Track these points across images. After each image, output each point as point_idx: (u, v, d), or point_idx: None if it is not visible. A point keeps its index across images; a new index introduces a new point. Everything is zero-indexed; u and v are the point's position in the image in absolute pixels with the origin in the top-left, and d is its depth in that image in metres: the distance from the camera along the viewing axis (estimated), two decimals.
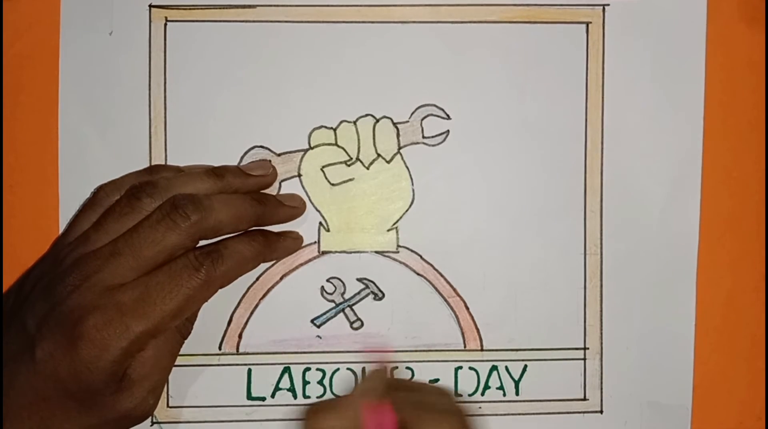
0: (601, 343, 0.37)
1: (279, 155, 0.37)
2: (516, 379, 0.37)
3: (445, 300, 0.37)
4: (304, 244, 0.37)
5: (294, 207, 0.36)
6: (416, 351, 0.37)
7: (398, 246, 0.37)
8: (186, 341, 0.35)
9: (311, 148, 0.37)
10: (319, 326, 0.37)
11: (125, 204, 0.33)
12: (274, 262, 0.37)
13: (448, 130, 0.37)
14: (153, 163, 0.37)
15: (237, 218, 0.33)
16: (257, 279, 0.37)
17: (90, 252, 0.32)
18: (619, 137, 0.37)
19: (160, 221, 0.32)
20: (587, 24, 0.37)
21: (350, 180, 0.37)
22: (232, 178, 0.35)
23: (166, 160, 0.37)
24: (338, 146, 0.37)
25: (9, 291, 0.36)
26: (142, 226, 0.32)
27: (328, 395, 0.37)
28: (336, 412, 0.31)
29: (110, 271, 0.31)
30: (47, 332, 0.30)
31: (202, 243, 0.33)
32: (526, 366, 0.37)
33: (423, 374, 0.37)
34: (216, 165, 0.36)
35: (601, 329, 0.37)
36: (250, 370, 0.37)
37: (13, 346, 0.31)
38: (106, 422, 0.31)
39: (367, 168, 0.37)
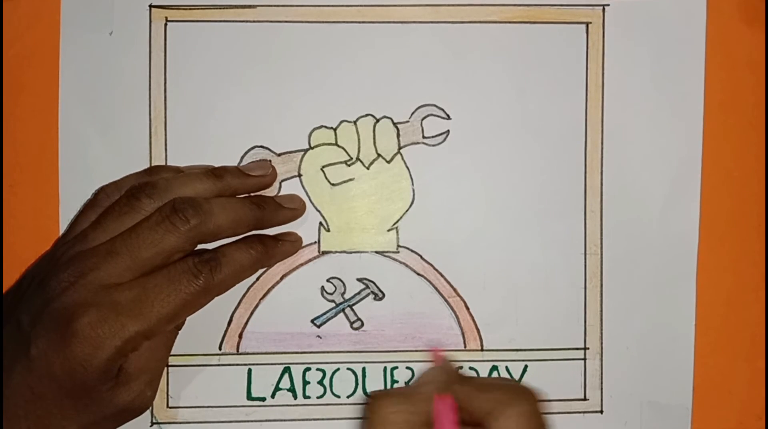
0: (601, 343, 0.37)
1: (279, 155, 0.37)
2: (516, 379, 0.37)
3: (446, 300, 0.37)
4: (304, 244, 0.37)
5: (293, 209, 0.36)
6: (416, 351, 0.37)
7: (398, 246, 0.37)
8: (186, 341, 0.35)
9: (311, 148, 0.37)
10: (319, 326, 0.37)
11: (124, 203, 0.33)
12: None
13: (448, 130, 0.37)
14: (153, 163, 0.37)
15: (236, 223, 0.33)
16: (257, 279, 0.37)
17: (87, 250, 0.32)
18: (619, 137, 0.37)
19: (159, 223, 0.31)
20: (587, 24, 0.37)
21: (350, 180, 0.37)
22: (232, 178, 0.35)
23: (166, 160, 0.37)
24: (338, 146, 0.37)
25: (9, 290, 0.36)
26: (141, 227, 0.32)
27: (328, 395, 0.37)
28: (405, 402, 0.30)
29: (106, 269, 0.31)
30: (41, 329, 0.30)
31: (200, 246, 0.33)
32: (526, 366, 0.37)
33: None
34: (216, 165, 0.36)
35: (601, 329, 0.37)
36: (250, 370, 0.37)
37: (10, 344, 0.31)
38: (105, 417, 0.31)
39: (368, 168, 0.37)
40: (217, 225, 0.32)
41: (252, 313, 0.37)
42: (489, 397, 0.30)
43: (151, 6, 0.36)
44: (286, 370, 0.37)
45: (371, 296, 0.37)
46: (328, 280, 0.37)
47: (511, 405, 0.29)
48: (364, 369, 0.37)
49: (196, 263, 0.32)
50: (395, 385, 0.37)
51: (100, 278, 0.31)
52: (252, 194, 0.36)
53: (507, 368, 0.37)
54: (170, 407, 0.37)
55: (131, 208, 0.32)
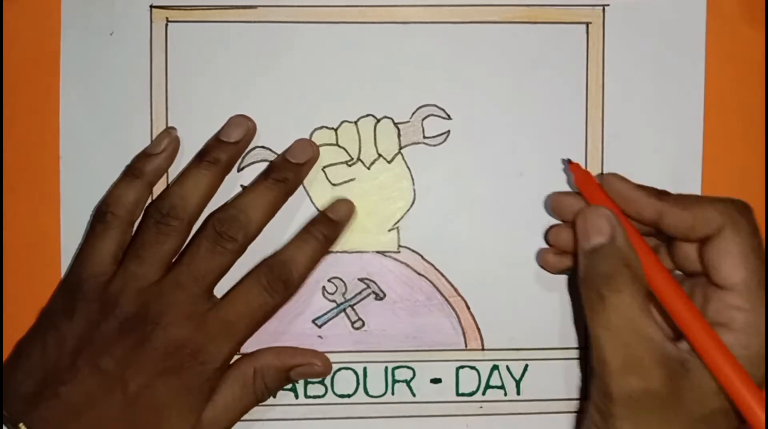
0: None
1: None
2: (517, 378, 0.37)
3: (446, 300, 0.37)
4: None
5: (310, 159, 0.36)
6: (417, 351, 0.37)
7: (399, 246, 0.37)
8: None
9: None
10: (320, 326, 0.37)
11: (156, 232, 0.34)
12: None
13: (448, 130, 0.37)
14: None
15: (272, 211, 0.35)
16: None
17: (149, 287, 0.33)
18: (619, 137, 0.37)
19: (210, 251, 0.33)
20: (587, 24, 0.37)
21: (351, 180, 0.37)
22: (222, 154, 0.35)
23: None
24: (339, 146, 0.37)
25: (30, 340, 0.34)
26: (196, 258, 0.33)
27: (330, 395, 0.37)
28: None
29: (182, 303, 0.33)
30: (138, 369, 0.32)
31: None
32: (527, 365, 0.37)
33: (424, 374, 0.37)
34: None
35: None
36: None
37: (90, 389, 0.32)
38: None
39: (368, 168, 0.37)
40: (258, 225, 0.35)
41: None
42: (707, 213, 0.31)
43: (151, 6, 0.36)
44: None
45: (372, 296, 0.37)
46: (329, 280, 0.37)
47: (737, 220, 0.30)
48: (365, 369, 0.37)
49: (270, 282, 0.34)
50: (395, 385, 0.37)
51: (181, 312, 0.33)
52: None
53: (508, 367, 0.37)
54: None
55: (167, 236, 0.34)
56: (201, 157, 0.35)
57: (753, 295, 0.30)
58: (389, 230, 0.37)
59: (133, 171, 0.35)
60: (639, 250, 0.31)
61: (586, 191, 0.34)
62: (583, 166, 0.37)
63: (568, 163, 0.35)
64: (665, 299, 0.30)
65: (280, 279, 0.34)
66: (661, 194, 0.32)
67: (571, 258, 0.35)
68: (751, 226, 0.30)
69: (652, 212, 0.32)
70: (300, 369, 0.36)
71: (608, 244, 0.31)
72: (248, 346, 0.37)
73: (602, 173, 0.36)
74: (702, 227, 0.31)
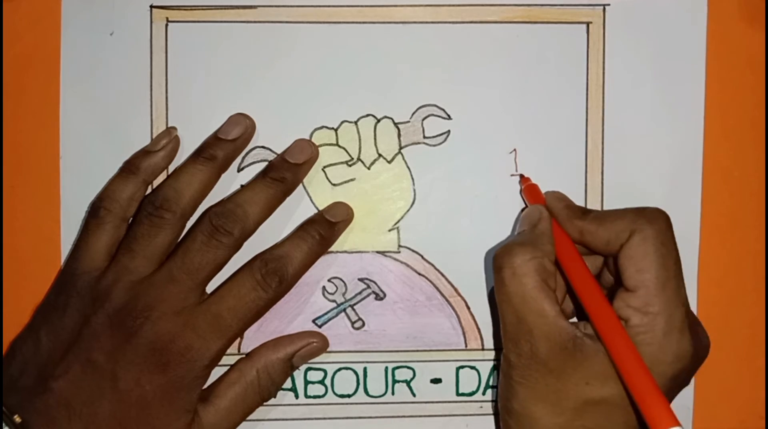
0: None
1: None
2: None
3: (447, 300, 0.37)
4: None
5: (308, 161, 0.36)
6: (417, 351, 0.37)
7: (399, 246, 0.37)
8: None
9: None
10: (320, 326, 0.37)
11: (149, 225, 0.34)
12: None
13: (448, 130, 0.37)
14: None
15: (269, 208, 0.35)
16: None
17: (141, 280, 0.33)
18: (619, 137, 0.37)
19: (206, 244, 0.33)
20: (588, 24, 0.37)
21: (351, 180, 0.37)
22: (220, 151, 0.35)
23: None
24: (339, 146, 0.37)
25: (25, 336, 0.34)
26: (190, 251, 0.33)
27: (330, 395, 0.37)
28: (533, 249, 0.32)
29: (173, 297, 0.32)
30: (127, 364, 0.32)
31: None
32: None
33: (424, 374, 0.37)
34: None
35: None
36: None
37: (82, 383, 0.32)
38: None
39: (369, 168, 0.37)
40: (256, 221, 0.34)
41: None
42: (617, 226, 0.32)
43: (152, 6, 0.36)
44: None
45: (372, 296, 0.37)
46: (329, 280, 0.37)
47: (643, 227, 0.31)
48: (365, 369, 0.37)
49: (265, 276, 0.33)
50: (396, 385, 0.37)
51: (171, 307, 0.32)
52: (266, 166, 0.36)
53: None
54: None
55: (159, 229, 0.33)
56: (198, 153, 0.35)
57: (652, 298, 0.30)
58: (389, 230, 0.37)
59: (128, 167, 0.35)
60: (560, 242, 0.33)
61: (532, 202, 0.36)
62: (583, 167, 0.37)
63: (521, 178, 0.37)
64: (576, 287, 0.32)
65: (275, 273, 0.34)
66: (584, 213, 0.34)
67: None
68: (657, 231, 0.31)
69: (574, 231, 0.33)
70: (300, 353, 0.36)
71: (528, 230, 0.33)
72: (250, 348, 0.37)
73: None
74: (615, 240, 0.32)
